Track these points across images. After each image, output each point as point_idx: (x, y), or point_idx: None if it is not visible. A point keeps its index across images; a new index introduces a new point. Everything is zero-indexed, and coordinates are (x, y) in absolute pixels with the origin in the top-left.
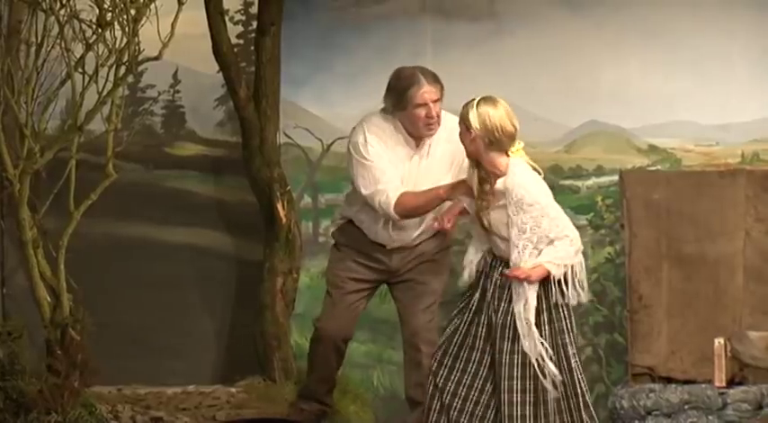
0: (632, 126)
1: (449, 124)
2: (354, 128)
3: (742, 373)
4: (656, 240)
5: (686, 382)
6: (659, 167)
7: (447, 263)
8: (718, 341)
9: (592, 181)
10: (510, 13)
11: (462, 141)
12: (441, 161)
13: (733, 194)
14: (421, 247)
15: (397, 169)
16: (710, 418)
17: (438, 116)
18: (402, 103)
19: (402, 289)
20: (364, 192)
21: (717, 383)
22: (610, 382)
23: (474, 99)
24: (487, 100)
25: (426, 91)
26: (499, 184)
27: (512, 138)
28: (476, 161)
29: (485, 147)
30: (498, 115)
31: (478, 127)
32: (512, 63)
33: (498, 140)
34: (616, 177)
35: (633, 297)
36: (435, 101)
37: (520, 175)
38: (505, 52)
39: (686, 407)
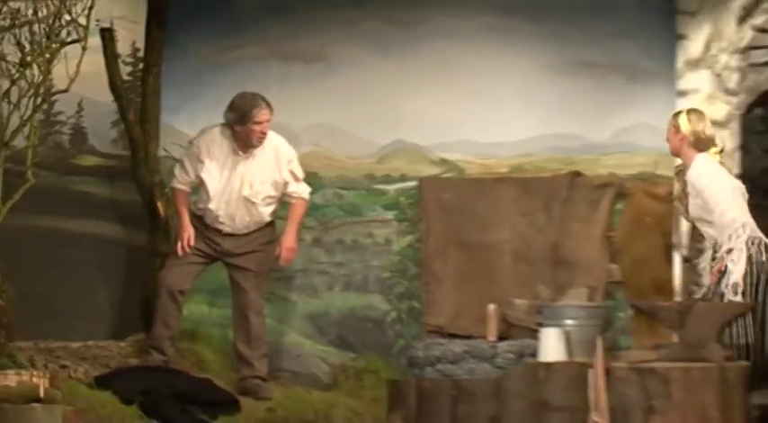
0: (428, 143)
1: (276, 145)
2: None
3: (509, 331)
4: (445, 231)
5: (467, 337)
6: (449, 175)
7: (273, 253)
8: (491, 307)
9: (397, 185)
10: (336, 57)
11: (670, 139)
12: (261, 172)
13: (503, 196)
14: (251, 236)
15: (219, 171)
16: (485, 364)
17: (266, 133)
18: (244, 119)
19: (237, 272)
20: (176, 169)
21: (489, 338)
22: (410, 337)
23: (683, 110)
24: (695, 111)
25: (264, 113)
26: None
27: (709, 140)
28: (682, 165)
29: (688, 145)
30: (702, 122)
31: (687, 128)
32: (337, 95)
33: (699, 140)
34: (416, 183)
35: (427, 273)
36: (268, 121)
37: (701, 166)
38: (332, 87)
39: (466, 356)
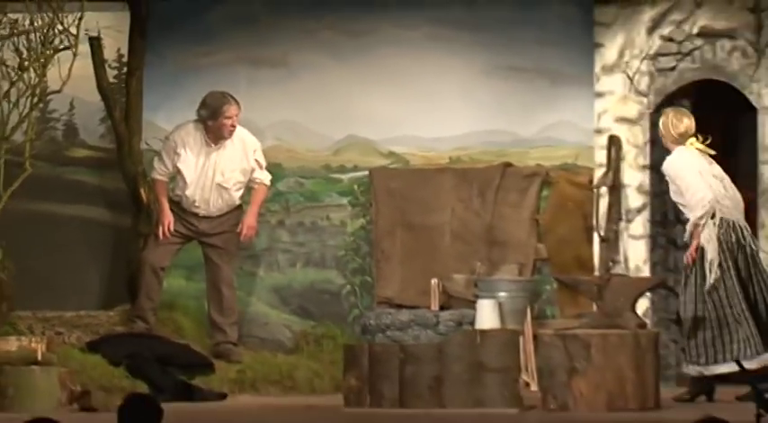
0: (377, 138)
1: (243, 137)
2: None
3: (449, 302)
4: (393, 214)
5: (413, 307)
6: (396, 166)
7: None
8: (434, 281)
9: (351, 175)
10: (297, 62)
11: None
12: (231, 160)
13: (443, 184)
14: (223, 218)
15: (194, 161)
16: (428, 331)
17: (235, 126)
18: (215, 114)
19: (211, 250)
20: (155, 162)
21: (432, 308)
22: (363, 308)
23: (665, 111)
24: (673, 110)
25: (233, 108)
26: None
27: (684, 135)
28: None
29: (669, 141)
30: (676, 119)
31: (663, 127)
32: (297, 95)
33: (677, 136)
34: (367, 172)
35: (378, 251)
36: (237, 115)
37: (671, 157)
38: (294, 88)
39: (412, 324)
